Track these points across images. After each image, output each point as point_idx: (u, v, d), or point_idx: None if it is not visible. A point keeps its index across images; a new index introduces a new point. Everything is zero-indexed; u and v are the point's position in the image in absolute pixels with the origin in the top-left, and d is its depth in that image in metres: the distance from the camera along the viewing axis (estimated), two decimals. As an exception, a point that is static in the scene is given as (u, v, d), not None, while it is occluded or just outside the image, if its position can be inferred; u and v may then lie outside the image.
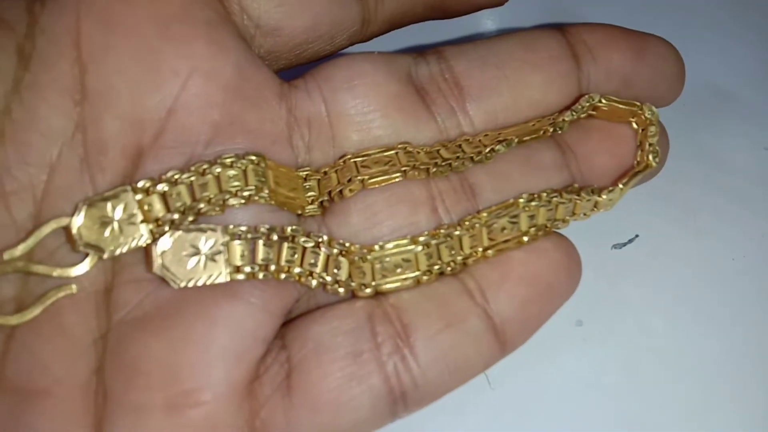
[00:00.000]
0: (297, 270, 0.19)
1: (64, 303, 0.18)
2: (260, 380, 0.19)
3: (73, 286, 0.18)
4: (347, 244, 0.20)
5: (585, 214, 0.21)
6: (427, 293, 0.20)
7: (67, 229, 0.18)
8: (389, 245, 0.20)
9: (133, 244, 0.18)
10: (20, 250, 0.17)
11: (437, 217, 0.20)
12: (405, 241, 0.20)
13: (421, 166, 0.20)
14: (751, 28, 0.30)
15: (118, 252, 0.18)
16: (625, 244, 0.26)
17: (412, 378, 0.19)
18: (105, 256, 0.18)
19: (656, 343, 0.25)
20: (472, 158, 0.20)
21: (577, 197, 0.21)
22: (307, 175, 0.20)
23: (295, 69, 0.22)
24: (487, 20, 0.30)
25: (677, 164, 0.25)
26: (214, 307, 0.18)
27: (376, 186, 0.20)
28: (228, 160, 0.19)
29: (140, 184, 0.18)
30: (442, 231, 0.20)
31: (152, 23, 0.18)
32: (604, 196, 0.21)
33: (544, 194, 0.21)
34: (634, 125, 0.22)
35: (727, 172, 0.27)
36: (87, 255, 0.18)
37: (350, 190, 0.20)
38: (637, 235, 0.26)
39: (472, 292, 0.20)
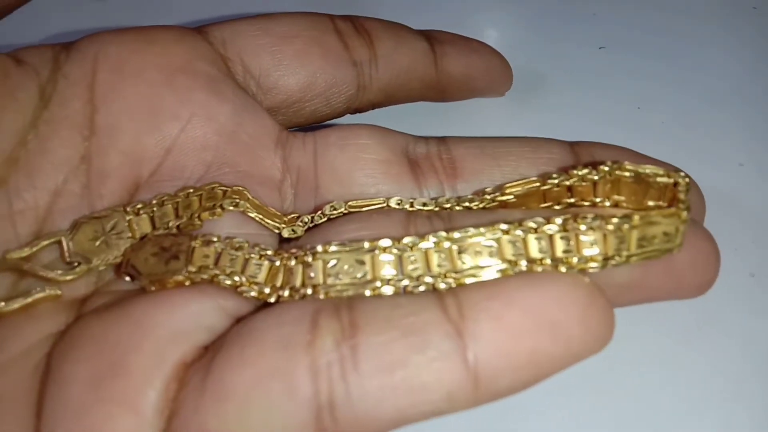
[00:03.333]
0: (265, 289, 0.18)
1: (45, 305, 0.19)
2: (194, 365, 0.17)
3: (59, 291, 0.19)
4: (294, 250, 0.18)
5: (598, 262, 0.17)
6: (393, 300, 0.17)
7: (60, 243, 0.20)
8: (339, 243, 0.18)
9: (119, 257, 0.20)
10: (24, 252, 0.19)
11: None
12: (363, 244, 0.18)
13: (411, 209, 0.21)
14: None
15: (104, 263, 0.20)
16: None
17: (347, 386, 0.16)
18: (91, 265, 0.20)
19: (633, 354, 0.23)
20: (469, 208, 0.20)
21: (574, 223, 0.17)
22: (292, 217, 0.21)
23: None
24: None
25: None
26: (176, 298, 0.18)
27: (359, 210, 0.21)
28: (212, 186, 0.21)
29: (132, 207, 0.20)
30: (406, 239, 0.18)
31: (159, 72, 0.22)
32: (614, 221, 0.17)
33: (530, 220, 0.17)
34: (650, 203, 0.20)
35: (704, 188, 0.27)
36: (78, 265, 0.20)
37: (333, 208, 0.21)
38: None
39: (446, 306, 0.16)
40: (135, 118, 0.21)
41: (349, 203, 0.21)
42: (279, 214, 0.21)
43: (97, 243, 0.20)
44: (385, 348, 0.16)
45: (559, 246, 0.17)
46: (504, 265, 0.17)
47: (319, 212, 0.21)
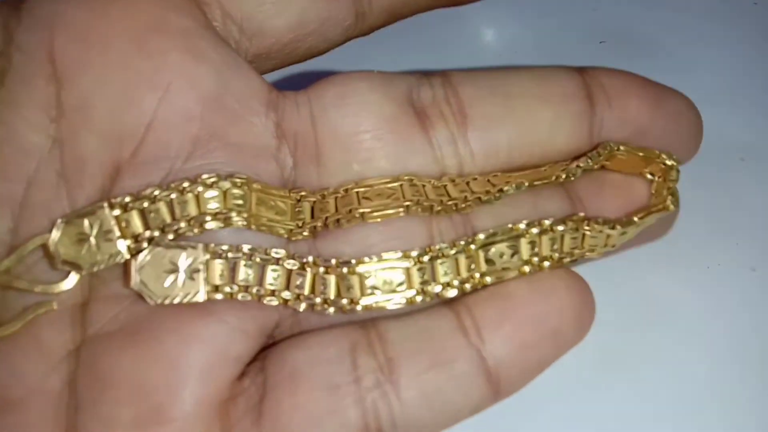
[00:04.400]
0: (285, 294, 0.19)
1: (41, 316, 0.18)
2: (235, 401, 0.18)
3: (54, 304, 0.18)
4: (333, 261, 0.19)
5: (593, 250, 0.20)
6: (417, 326, 0.19)
7: (45, 246, 0.18)
8: (377, 258, 0.19)
9: (111, 261, 0.18)
10: (4, 265, 0.18)
11: None
12: (396, 254, 0.19)
13: (425, 203, 0.19)
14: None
15: (95, 269, 0.18)
16: None
17: (392, 417, 0.18)
18: (83, 272, 0.18)
19: (631, 352, 0.24)
20: (479, 198, 0.19)
21: (586, 228, 0.19)
22: (301, 196, 0.20)
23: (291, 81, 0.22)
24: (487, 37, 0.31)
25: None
26: (187, 325, 0.18)
27: (377, 221, 0.19)
28: (209, 180, 0.19)
29: (118, 199, 0.18)
30: (435, 248, 0.19)
31: (127, 36, 0.19)
32: (618, 228, 0.20)
33: (546, 221, 0.19)
34: (649, 175, 0.21)
35: (703, 180, 0.27)
36: (69, 272, 0.18)
37: (348, 221, 0.19)
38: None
39: (467, 330, 0.19)
40: (107, 93, 0.18)
41: (362, 184, 0.19)
42: (286, 200, 0.19)
43: (85, 247, 0.18)
44: (421, 380, 0.18)
45: (568, 244, 0.20)
46: (525, 267, 0.19)
47: (332, 220, 0.19)
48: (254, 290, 0.18)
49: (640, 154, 0.20)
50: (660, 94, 0.21)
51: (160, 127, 0.19)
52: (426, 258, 0.19)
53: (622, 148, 0.20)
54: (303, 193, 0.20)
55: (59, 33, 0.18)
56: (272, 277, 0.19)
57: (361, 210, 0.19)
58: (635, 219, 0.20)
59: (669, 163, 0.20)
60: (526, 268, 0.19)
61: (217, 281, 0.18)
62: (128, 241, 0.18)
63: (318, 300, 0.19)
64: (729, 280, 0.26)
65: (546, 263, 0.19)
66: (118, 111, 0.18)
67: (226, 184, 0.19)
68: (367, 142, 0.20)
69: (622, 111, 0.20)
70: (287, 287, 0.19)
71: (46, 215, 0.18)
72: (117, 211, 0.18)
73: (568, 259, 0.20)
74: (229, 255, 0.19)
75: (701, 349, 0.25)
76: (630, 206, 0.21)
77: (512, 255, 0.19)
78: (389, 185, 0.19)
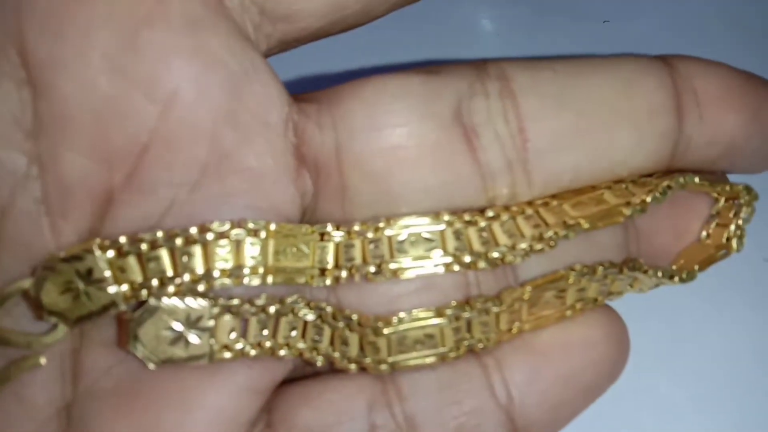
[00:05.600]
0: (300, 345, 0.16)
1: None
2: None
3: (42, 359, 0.16)
4: (354, 317, 0.16)
5: (641, 290, 0.18)
6: (441, 380, 0.17)
7: (27, 293, 0.15)
8: (408, 317, 0.16)
9: (104, 313, 0.15)
10: None
11: None
12: (429, 314, 0.16)
13: (467, 257, 0.16)
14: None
15: (86, 321, 0.15)
16: None
17: None
18: (72, 325, 0.15)
19: (644, 343, 0.24)
20: (531, 247, 0.16)
21: (642, 274, 0.17)
22: (324, 233, 0.16)
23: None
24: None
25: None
26: (191, 390, 0.16)
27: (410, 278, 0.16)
28: (220, 229, 0.15)
29: (109, 242, 0.15)
30: (476, 304, 0.16)
31: (116, 29, 0.14)
32: (675, 279, 0.17)
33: (601, 268, 0.17)
34: (714, 195, 0.18)
35: None
36: (56, 324, 0.15)
37: (376, 275, 0.16)
38: None
39: (494, 387, 0.17)
40: (93, 104, 0.15)
41: (395, 224, 0.16)
42: (309, 239, 0.16)
43: (72, 296, 0.15)
44: None
45: (617, 286, 0.18)
46: (567, 311, 0.17)
47: (358, 273, 0.16)
48: (267, 344, 0.16)
49: (718, 189, 0.17)
50: (761, 98, 0.17)
51: (161, 148, 0.15)
52: (464, 314, 0.16)
53: (697, 180, 0.17)
54: (327, 230, 0.16)
55: (29, 24, 0.14)
56: (286, 330, 0.16)
57: (394, 266, 0.16)
58: (696, 269, 0.18)
59: (746, 198, 0.18)
60: (569, 313, 0.17)
61: (227, 340, 0.16)
62: (124, 288, 0.15)
63: (337, 355, 0.17)
64: (741, 270, 0.25)
65: (589, 305, 0.18)
66: (108, 126, 0.15)
67: (240, 233, 0.15)
68: (404, 175, 0.16)
69: (715, 128, 0.17)
70: (303, 338, 0.16)
71: (26, 251, 0.15)
72: (111, 253, 0.15)
73: (613, 298, 0.18)
74: (242, 308, 0.16)
75: (714, 337, 0.25)
76: (686, 230, 0.18)
77: (556, 302, 0.17)
78: (428, 228, 0.16)
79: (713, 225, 0.18)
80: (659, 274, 0.17)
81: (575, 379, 0.17)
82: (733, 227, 0.18)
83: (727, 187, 0.18)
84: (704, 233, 0.19)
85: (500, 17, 0.29)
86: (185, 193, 0.16)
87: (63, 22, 0.14)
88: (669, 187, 0.17)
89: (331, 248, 0.16)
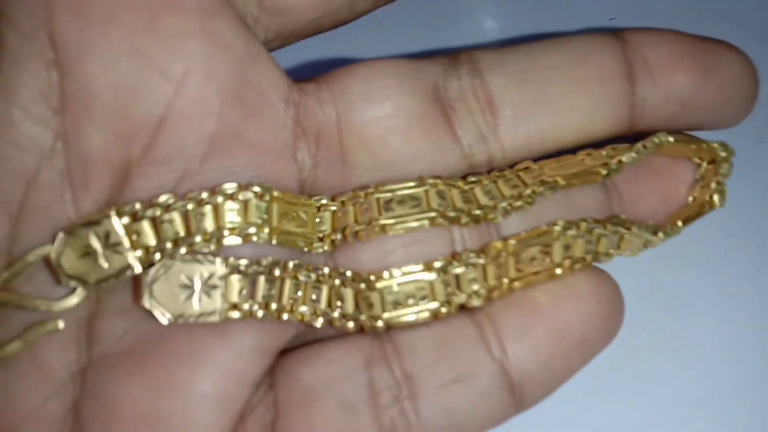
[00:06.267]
0: (302, 309, 0.17)
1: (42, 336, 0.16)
2: (244, 422, 0.17)
3: (60, 323, 0.16)
4: (350, 273, 0.17)
5: (630, 251, 0.19)
6: (435, 337, 0.18)
7: (47, 259, 0.16)
8: (400, 272, 0.17)
9: (121, 276, 0.16)
10: (2, 280, 0.16)
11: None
12: (418, 267, 0.17)
13: (452, 214, 0.17)
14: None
15: (104, 284, 0.16)
16: None
17: None
18: (91, 288, 0.16)
19: (648, 338, 0.24)
20: (510, 205, 0.18)
21: (625, 230, 0.18)
22: (321, 205, 0.18)
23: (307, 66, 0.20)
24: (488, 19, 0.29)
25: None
26: (201, 349, 0.17)
27: (399, 233, 0.18)
28: (228, 191, 0.17)
29: (127, 208, 0.16)
30: (462, 257, 0.17)
31: (137, 14, 0.16)
32: (660, 235, 0.18)
33: (584, 223, 0.18)
34: (696, 159, 0.19)
35: None
36: (75, 288, 0.16)
37: (368, 235, 0.17)
38: None
39: (488, 341, 0.17)
40: (114, 81, 0.16)
41: (383, 188, 0.18)
42: (308, 208, 0.18)
43: (91, 261, 0.16)
44: (441, 396, 0.17)
45: (604, 245, 0.18)
46: (557, 270, 0.18)
47: (350, 232, 0.18)
48: (273, 306, 0.17)
49: (692, 146, 0.19)
50: (710, 58, 0.18)
51: (175, 123, 0.17)
52: (452, 268, 0.17)
53: (671, 139, 0.18)
54: (324, 202, 0.18)
55: (59, 10, 0.16)
56: (291, 292, 0.17)
57: (382, 222, 0.17)
58: (679, 224, 0.19)
59: (722, 154, 0.19)
60: (558, 271, 0.18)
61: (236, 298, 0.17)
62: (139, 253, 0.17)
63: (336, 315, 0.18)
64: (747, 267, 0.25)
65: (578, 265, 0.18)
66: (128, 102, 0.16)
67: (248, 195, 0.17)
68: (395, 144, 0.18)
69: (667, 87, 0.18)
70: (304, 302, 0.17)
71: (49, 221, 0.16)
72: (126, 220, 0.16)
73: (602, 260, 0.19)
74: (250, 270, 0.17)
75: (717, 339, 0.24)
76: (670, 194, 0.20)
77: (544, 258, 0.18)
78: (413, 191, 0.18)
79: (698, 188, 0.19)
80: (643, 229, 0.18)
81: (567, 332, 0.18)
82: (713, 185, 0.19)
83: (704, 146, 0.19)
84: (690, 198, 0.20)
85: (503, 15, 0.29)
86: (196, 164, 0.17)
87: (89, 8, 0.16)
88: (644, 146, 0.18)
89: (327, 217, 0.18)
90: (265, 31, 0.18)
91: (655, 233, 0.18)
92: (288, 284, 0.17)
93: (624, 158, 0.18)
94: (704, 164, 0.19)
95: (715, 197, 0.19)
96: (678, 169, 0.20)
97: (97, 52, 0.16)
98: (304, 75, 0.19)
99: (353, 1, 0.18)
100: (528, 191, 0.18)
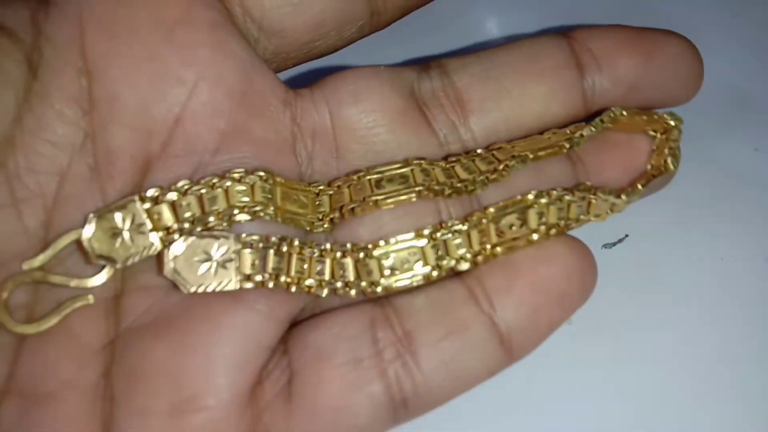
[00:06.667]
0: (308, 282, 0.19)
1: (75, 311, 0.18)
2: (262, 385, 0.19)
3: (90, 297, 0.18)
4: (349, 245, 0.20)
5: (598, 216, 0.21)
6: (431, 299, 0.20)
7: (78, 241, 0.18)
8: (393, 239, 0.19)
9: (145, 253, 0.18)
10: (39, 261, 0.18)
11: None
12: (409, 235, 0.20)
13: (436, 187, 0.20)
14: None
15: (130, 262, 0.18)
16: (614, 244, 0.26)
17: (414, 385, 0.19)
18: (118, 266, 0.18)
19: (645, 342, 0.25)
20: (487, 178, 0.20)
21: (592, 196, 0.20)
22: (320, 190, 0.20)
23: (302, 76, 0.22)
24: (491, 25, 0.30)
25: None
26: (219, 314, 0.18)
27: (390, 207, 0.20)
28: (237, 174, 0.19)
29: (149, 193, 0.18)
30: (448, 224, 0.20)
31: (155, 28, 0.19)
32: (623, 198, 0.20)
33: (554, 192, 0.20)
34: (651, 132, 0.22)
35: (716, 169, 0.27)
36: (103, 266, 0.18)
37: (363, 210, 0.20)
38: (626, 235, 0.26)
39: (477, 299, 0.20)
40: (136, 86, 0.19)
41: (373, 171, 0.20)
42: (307, 193, 0.20)
43: (119, 241, 0.18)
44: (438, 349, 0.19)
45: (574, 212, 0.20)
46: (533, 236, 0.20)
47: (347, 210, 0.20)
48: (282, 279, 0.19)
49: (644, 117, 0.21)
50: (651, 44, 0.21)
51: (190, 121, 0.19)
52: (439, 235, 0.20)
53: (625, 113, 0.21)
54: (321, 187, 0.20)
55: (88, 26, 0.19)
56: (298, 266, 0.19)
57: (375, 197, 0.20)
58: (639, 187, 0.21)
59: (671, 123, 0.21)
60: (534, 236, 0.20)
61: (248, 270, 0.19)
62: (160, 233, 0.19)
63: (339, 284, 0.19)
64: (742, 270, 0.26)
65: (553, 231, 0.20)
66: (148, 104, 0.19)
67: (254, 179, 0.19)
68: (382, 135, 0.21)
69: (613, 71, 0.21)
70: (309, 275, 0.19)
71: (79, 209, 0.18)
72: (148, 204, 0.18)
73: (574, 225, 0.21)
74: (260, 245, 0.19)
75: (711, 341, 0.25)
76: (631, 164, 0.22)
77: (521, 225, 0.20)
78: (401, 170, 0.20)
79: (654, 156, 0.22)
80: (607, 193, 0.20)
81: (546, 288, 0.20)
82: (667, 151, 0.21)
83: (655, 116, 0.21)
84: (648, 166, 0.22)
85: (506, 22, 0.30)
86: (209, 157, 0.19)
87: (114, 24, 0.19)
88: (601, 120, 0.21)
89: (326, 201, 0.20)
90: (264, 51, 0.21)
91: (618, 196, 0.21)
92: (294, 259, 0.19)
93: (584, 132, 0.21)
94: (658, 135, 0.22)
95: (669, 161, 0.21)
96: (636, 142, 0.22)
97: (121, 61, 0.19)
98: (301, 84, 0.21)
99: (340, 29, 0.21)
100: (502, 165, 0.20)
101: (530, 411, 0.24)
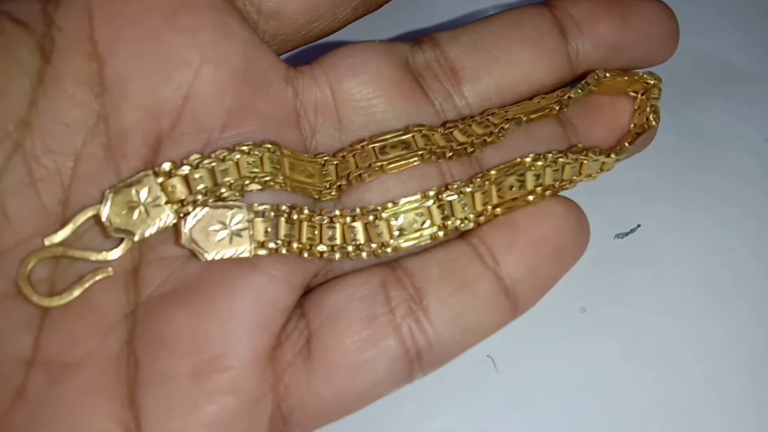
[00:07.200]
0: (320, 248, 0.20)
1: (95, 282, 0.19)
2: (282, 347, 0.19)
3: (110, 269, 0.19)
4: (359, 209, 0.20)
5: (591, 176, 0.22)
6: (438, 258, 0.21)
7: (97, 216, 0.19)
8: (401, 201, 0.20)
9: (161, 224, 0.19)
10: (59, 236, 0.18)
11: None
12: (416, 197, 0.20)
13: (438, 150, 0.21)
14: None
15: (147, 233, 0.19)
16: (627, 234, 0.26)
17: (427, 339, 0.20)
18: (135, 238, 0.19)
19: (658, 331, 0.25)
20: (485, 140, 0.21)
21: (583, 157, 0.21)
22: (325, 161, 0.21)
23: (305, 54, 0.23)
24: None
25: (679, 152, 0.27)
26: (237, 280, 0.19)
27: (395, 171, 0.21)
28: (246, 147, 0.20)
29: (163, 168, 0.19)
30: (453, 186, 0.21)
31: (161, 14, 0.20)
32: (612, 156, 0.21)
33: (550, 154, 0.21)
34: (632, 93, 0.23)
35: (728, 160, 0.28)
36: (121, 240, 0.19)
37: (369, 175, 0.21)
38: (639, 225, 0.27)
39: (482, 256, 0.20)
40: (145, 69, 0.19)
41: (376, 139, 0.21)
42: (314, 164, 0.21)
43: (135, 214, 0.19)
44: (449, 304, 0.20)
45: (568, 173, 0.21)
46: (530, 197, 0.21)
47: (354, 176, 0.21)
48: (294, 245, 0.20)
49: (625, 78, 0.22)
50: (627, 7, 0.23)
51: (197, 100, 0.20)
52: (445, 196, 0.21)
53: (608, 74, 0.22)
54: (327, 158, 0.21)
55: (96, 13, 0.19)
56: (309, 233, 0.20)
57: (380, 162, 0.21)
58: (627, 144, 0.22)
59: (651, 82, 0.22)
60: (531, 198, 0.21)
61: (262, 237, 0.19)
62: (175, 206, 0.19)
63: (351, 248, 0.20)
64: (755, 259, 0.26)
65: (548, 192, 0.21)
66: (156, 85, 0.20)
67: (263, 150, 0.20)
68: (381, 106, 0.22)
69: (593, 34, 0.23)
70: (321, 241, 0.20)
71: (95, 186, 0.19)
72: (162, 179, 0.19)
73: (568, 186, 0.22)
74: (272, 214, 0.20)
75: (721, 330, 0.25)
76: (616, 124, 0.23)
77: (520, 187, 0.21)
78: (402, 137, 0.21)
79: (636, 115, 0.23)
80: (597, 153, 0.21)
81: (544, 243, 0.21)
82: (648, 109, 0.22)
83: (636, 77, 0.22)
84: (632, 125, 0.23)
85: None
86: (216, 133, 0.20)
87: (121, 12, 0.20)
88: (587, 82, 0.22)
89: (332, 170, 0.21)
90: (264, 33, 0.22)
91: (608, 155, 0.22)
92: (305, 226, 0.20)
93: (572, 94, 0.22)
94: (639, 96, 0.23)
95: (651, 118, 0.22)
96: (619, 103, 0.23)
97: (128, 46, 0.20)
98: (303, 63, 0.23)
99: (335, 10, 0.22)
100: (498, 128, 0.21)
101: (541, 398, 0.24)
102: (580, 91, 0.22)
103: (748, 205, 0.27)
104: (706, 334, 0.25)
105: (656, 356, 0.25)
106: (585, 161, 0.21)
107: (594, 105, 0.23)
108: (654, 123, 0.22)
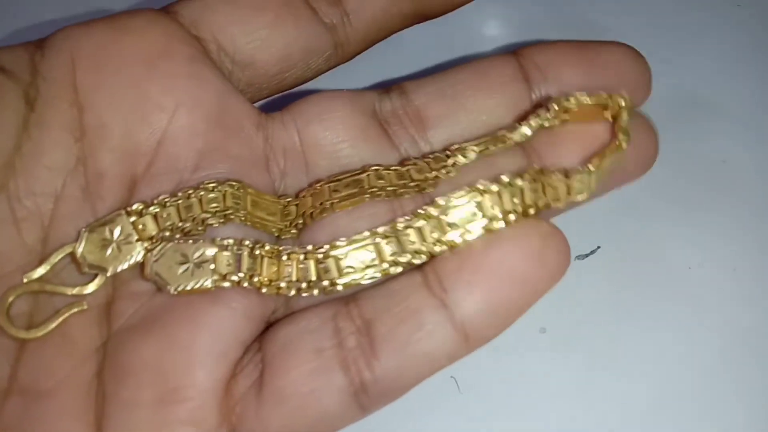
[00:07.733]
0: (280, 284, 0.20)
1: (70, 316, 0.20)
2: (236, 378, 0.20)
3: (85, 304, 0.20)
4: (309, 247, 0.21)
5: (558, 200, 0.21)
6: (389, 290, 0.20)
7: (72, 254, 0.20)
8: (349, 239, 0.20)
9: (132, 261, 0.20)
10: (37, 273, 0.20)
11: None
12: (365, 234, 0.20)
13: (389, 187, 0.21)
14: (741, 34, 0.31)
15: (119, 269, 0.20)
16: (587, 255, 0.27)
17: (372, 371, 0.19)
18: (108, 273, 0.20)
19: (618, 351, 0.26)
20: (437, 177, 0.21)
21: (543, 178, 0.20)
22: (288, 202, 0.22)
23: (283, 100, 0.24)
24: (492, 30, 0.31)
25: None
26: (199, 313, 0.20)
27: (346, 208, 0.21)
28: (210, 185, 0.21)
29: (134, 207, 0.20)
30: (399, 221, 0.20)
31: (139, 63, 0.21)
32: (575, 177, 0.20)
33: (503, 177, 0.20)
34: (609, 118, 0.22)
35: (685, 182, 0.28)
36: (95, 276, 0.20)
37: (320, 213, 0.21)
38: (599, 247, 0.27)
39: (430, 284, 0.20)
40: (122, 114, 0.21)
41: (332, 178, 0.22)
42: (276, 204, 0.22)
43: (108, 251, 0.20)
44: (394, 335, 0.19)
45: (529, 197, 0.20)
46: (486, 221, 0.20)
47: (309, 213, 0.21)
48: (255, 279, 0.20)
49: (590, 101, 0.21)
50: (594, 53, 0.23)
51: (170, 143, 0.21)
52: (392, 232, 0.20)
53: (571, 99, 0.21)
54: (289, 199, 0.22)
55: (79, 62, 0.21)
56: (269, 268, 0.21)
57: (330, 201, 0.21)
58: (589, 167, 0.21)
59: (620, 103, 0.21)
60: (494, 224, 0.20)
61: (224, 270, 0.20)
62: (146, 243, 0.20)
63: (303, 285, 0.21)
64: (711, 280, 0.27)
65: (511, 216, 0.20)
66: (133, 130, 0.21)
67: (225, 188, 0.21)
68: (346, 150, 0.22)
69: (558, 80, 0.23)
70: (279, 277, 0.21)
71: (73, 225, 0.20)
72: (134, 218, 0.20)
73: (533, 210, 0.20)
74: (234, 248, 0.20)
75: (681, 350, 0.26)
76: (590, 151, 0.22)
77: (473, 214, 0.20)
78: (356, 176, 0.22)
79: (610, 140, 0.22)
80: (555, 172, 0.20)
81: (501, 268, 0.19)
82: (620, 134, 0.21)
83: (603, 98, 0.21)
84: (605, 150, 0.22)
85: (506, 23, 0.31)
86: (188, 174, 0.21)
87: (103, 62, 0.21)
88: (546, 108, 0.22)
89: (293, 210, 0.22)
90: (238, 82, 0.23)
91: (568, 176, 0.21)
92: (266, 261, 0.21)
93: (533, 123, 0.22)
94: (611, 119, 0.22)
95: (622, 141, 0.21)
96: (593, 130, 0.22)
97: (108, 93, 0.21)
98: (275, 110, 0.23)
99: (307, 60, 0.23)
100: (450, 161, 0.21)
101: (504, 418, 0.25)
102: (538, 119, 0.22)
103: (704, 226, 0.28)
104: (666, 353, 0.26)
105: (616, 376, 0.25)
106: (548, 184, 0.20)
107: (562, 132, 0.23)
108: (624, 145, 0.21)
